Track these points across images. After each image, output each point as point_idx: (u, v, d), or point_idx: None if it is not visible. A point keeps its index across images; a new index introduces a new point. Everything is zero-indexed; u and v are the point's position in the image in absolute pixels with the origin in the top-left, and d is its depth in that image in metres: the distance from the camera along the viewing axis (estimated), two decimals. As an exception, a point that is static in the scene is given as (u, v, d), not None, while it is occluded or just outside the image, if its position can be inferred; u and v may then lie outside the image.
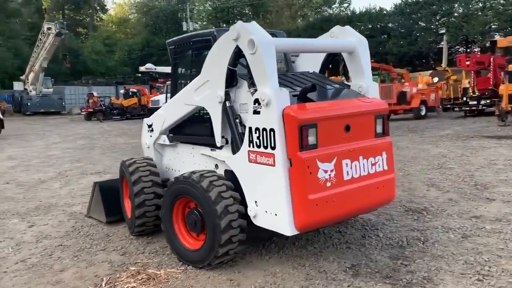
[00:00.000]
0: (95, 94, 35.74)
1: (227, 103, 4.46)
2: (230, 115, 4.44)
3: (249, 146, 4.18)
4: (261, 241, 5.06)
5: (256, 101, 4.02)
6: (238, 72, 4.42)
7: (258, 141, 4.07)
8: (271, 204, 4.04)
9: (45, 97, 40.40)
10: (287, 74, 4.88)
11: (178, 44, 5.48)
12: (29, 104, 39.55)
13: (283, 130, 3.87)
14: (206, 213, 4.29)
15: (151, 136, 5.86)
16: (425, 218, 5.70)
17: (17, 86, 41.92)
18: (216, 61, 4.45)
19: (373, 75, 17.71)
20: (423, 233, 5.13)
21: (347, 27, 4.84)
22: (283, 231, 3.98)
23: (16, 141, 19.60)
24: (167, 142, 5.65)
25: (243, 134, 4.26)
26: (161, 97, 27.33)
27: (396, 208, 6.19)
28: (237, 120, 4.42)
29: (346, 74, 4.92)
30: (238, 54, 4.19)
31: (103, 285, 4.32)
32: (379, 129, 4.48)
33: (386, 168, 4.48)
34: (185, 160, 5.46)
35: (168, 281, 4.29)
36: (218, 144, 4.65)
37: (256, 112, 4.06)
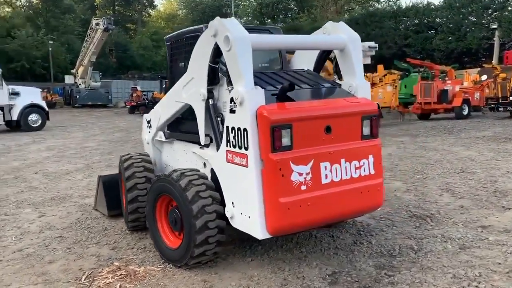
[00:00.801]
0: (138, 88, 36.70)
1: (210, 101, 4.39)
2: (212, 113, 4.36)
3: (227, 145, 4.09)
4: (248, 242, 4.96)
5: (232, 99, 3.92)
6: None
7: (234, 140, 3.98)
8: (245, 206, 3.94)
9: (93, 91, 41.91)
10: (277, 72, 4.73)
11: (173, 41, 5.46)
12: (78, 97, 41.16)
13: (256, 130, 3.75)
14: (184, 212, 4.25)
15: (149, 132, 5.88)
16: (427, 225, 5.38)
17: (68, 79, 43.73)
18: (199, 58, 4.39)
19: (414, 72, 17.18)
20: (419, 242, 4.84)
21: (341, 23, 4.63)
22: (255, 234, 3.87)
23: (59, 132, 20.44)
24: (163, 139, 5.66)
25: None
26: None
27: (401, 214, 5.89)
28: (219, 119, 4.34)
29: (338, 72, 4.70)
30: (217, 51, 4.09)
31: (83, 278, 4.38)
32: (366, 131, 4.24)
33: (372, 172, 4.24)
34: (179, 158, 5.44)
35: (145, 278, 4.29)
36: (202, 143, 4.60)
37: (232, 111, 3.96)
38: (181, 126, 5.36)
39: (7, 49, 45.61)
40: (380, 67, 19.50)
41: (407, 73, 27.43)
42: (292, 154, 3.78)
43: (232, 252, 4.78)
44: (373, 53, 23.22)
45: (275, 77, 4.52)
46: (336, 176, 4.02)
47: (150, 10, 74.87)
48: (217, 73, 4.30)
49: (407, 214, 5.84)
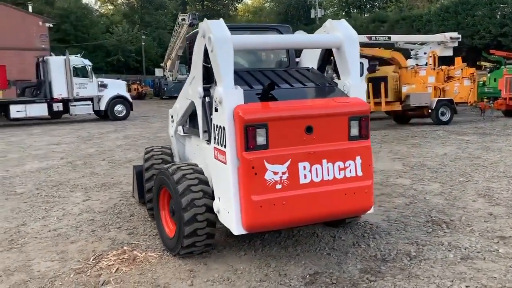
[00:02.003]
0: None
1: (206, 99, 4.57)
2: (207, 110, 4.54)
3: (214, 142, 4.26)
4: (249, 237, 5.07)
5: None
6: None
7: (217, 138, 4.13)
8: (225, 202, 4.09)
9: (179, 83, 43.93)
10: (275, 70, 4.77)
11: (191, 40, 5.69)
12: (166, 89, 43.61)
13: (232, 129, 3.87)
14: (175, 204, 4.50)
15: (172, 126, 6.22)
16: (439, 232, 5.08)
17: (158, 72, 46.50)
18: (196, 58, 4.59)
19: (505, 64, 15.92)
20: (420, 249, 4.61)
21: (342, 21, 4.53)
22: (232, 229, 4.01)
23: (140, 122, 21.89)
24: (182, 133, 5.95)
25: None
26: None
27: (419, 218, 5.61)
28: (212, 116, 4.50)
29: (336, 71, 4.61)
30: (207, 51, 4.25)
31: (91, 259, 4.82)
32: (354, 131, 4.14)
33: (359, 174, 4.14)
34: (195, 151, 5.70)
35: (142, 263, 4.62)
36: (201, 138, 4.80)
37: (216, 109, 4.12)
38: (194, 122, 5.61)
39: (106, 44, 49.64)
40: (458, 60, 18.18)
41: (498, 66, 25.20)
42: (267, 153, 3.83)
43: (230, 245, 4.94)
44: (456, 44, 21.77)
45: (271, 75, 4.57)
46: (317, 177, 3.99)
47: (237, 4, 76.59)
48: (210, 72, 4.46)
49: (425, 219, 5.55)
